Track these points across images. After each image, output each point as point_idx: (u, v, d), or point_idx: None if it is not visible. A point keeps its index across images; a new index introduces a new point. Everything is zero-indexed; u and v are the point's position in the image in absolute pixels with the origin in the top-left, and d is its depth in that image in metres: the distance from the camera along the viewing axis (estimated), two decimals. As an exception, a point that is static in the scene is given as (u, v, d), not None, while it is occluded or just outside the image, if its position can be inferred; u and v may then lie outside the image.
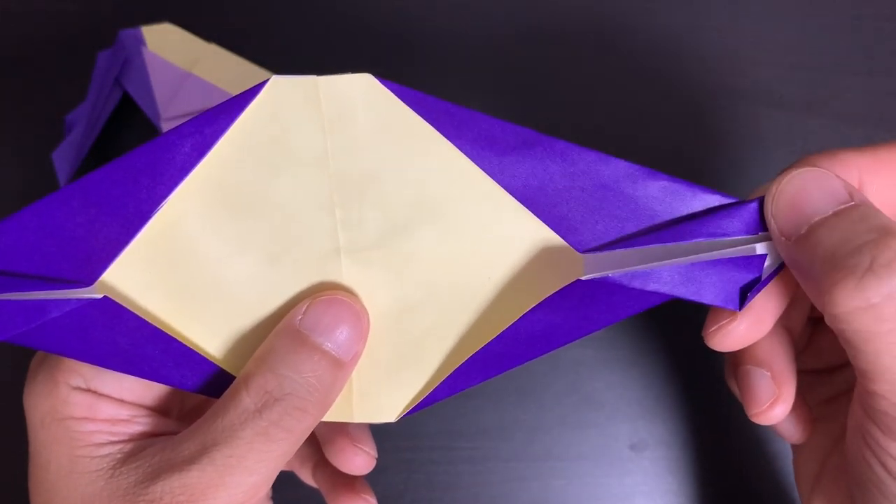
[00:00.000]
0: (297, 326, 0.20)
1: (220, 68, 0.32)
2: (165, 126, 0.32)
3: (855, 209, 0.18)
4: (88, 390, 0.21)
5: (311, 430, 0.20)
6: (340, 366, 0.20)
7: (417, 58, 0.35)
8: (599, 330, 0.20)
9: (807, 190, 0.19)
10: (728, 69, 0.34)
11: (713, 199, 0.19)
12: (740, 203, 0.19)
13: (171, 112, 0.32)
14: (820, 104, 0.34)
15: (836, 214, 0.18)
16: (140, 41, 0.33)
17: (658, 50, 0.35)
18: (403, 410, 0.21)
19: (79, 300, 0.19)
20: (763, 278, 0.19)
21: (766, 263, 0.19)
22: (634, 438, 0.30)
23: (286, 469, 0.27)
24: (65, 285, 0.19)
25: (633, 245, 0.19)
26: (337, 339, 0.20)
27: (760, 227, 0.19)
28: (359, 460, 0.25)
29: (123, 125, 0.34)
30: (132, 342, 0.20)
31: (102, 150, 0.33)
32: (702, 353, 0.28)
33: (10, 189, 0.34)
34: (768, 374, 0.22)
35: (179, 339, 0.20)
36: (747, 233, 0.19)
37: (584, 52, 0.35)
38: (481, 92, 0.34)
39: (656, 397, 0.31)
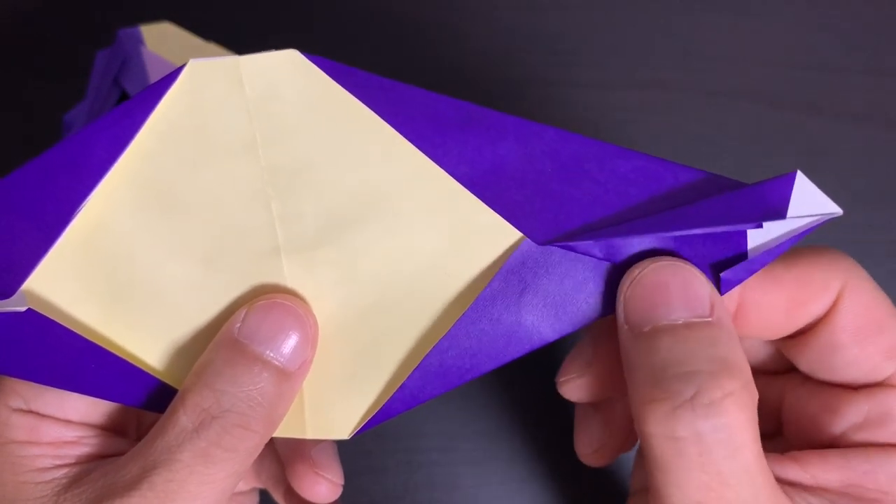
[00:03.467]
0: (236, 336, 0.18)
1: (220, 68, 0.32)
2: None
3: (707, 328, 0.16)
4: (30, 411, 0.20)
5: (260, 447, 0.18)
6: (286, 377, 0.18)
7: (417, 57, 0.35)
8: (569, 332, 0.18)
9: (668, 288, 0.17)
10: (728, 69, 0.34)
11: (694, 178, 0.17)
12: (728, 187, 0.17)
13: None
14: (820, 104, 0.34)
15: (686, 326, 0.17)
16: (139, 40, 0.33)
17: (658, 49, 0.35)
18: (357, 426, 0.19)
19: (2, 314, 0.18)
20: (750, 257, 0.17)
21: (753, 244, 0.17)
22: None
23: (261, 487, 0.26)
24: None
25: (600, 237, 0.17)
26: (280, 347, 0.18)
27: (757, 217, 0.17)
28: (320, 489, 0.23)
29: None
30: (66, 356, 0.19)
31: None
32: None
33: (8, 189, 0.34)
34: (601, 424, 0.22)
35: (117, 351, 0.19)
36: (737, 221, 0.17)
37: (583, 51, 0.35)
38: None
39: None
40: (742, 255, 0.17)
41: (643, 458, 0.18)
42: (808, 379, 0.21)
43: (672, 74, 0.34)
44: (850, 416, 0.19)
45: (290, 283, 0.19)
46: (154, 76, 0.32)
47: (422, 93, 0.17)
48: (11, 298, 0.18)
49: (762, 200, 0.17)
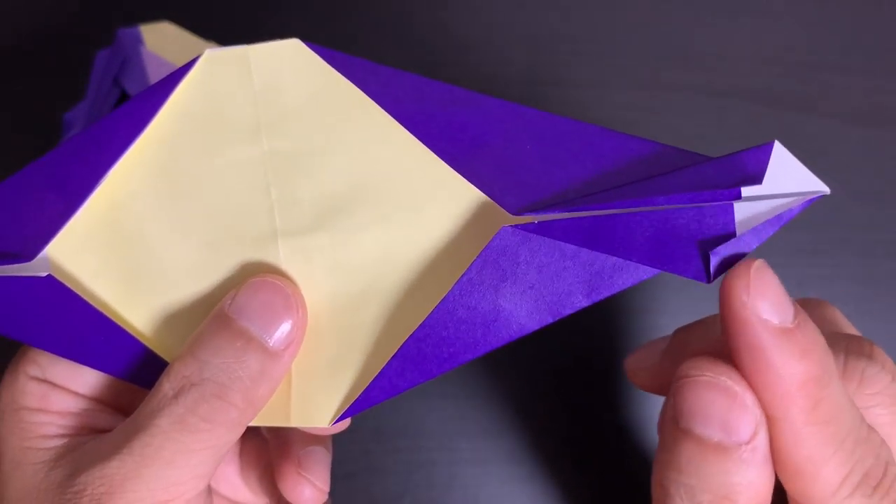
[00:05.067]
0: (226, 310, 0.18)
1: (220, 68, 0.32)
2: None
3: (729, 458, 0.16)
4: (44, 380, 0.21)
5: (241, 425, 0.18)
6: (270, 355, 0.18)
7: (415, 56, 0.35)
8: (550, 322, 0.17)
9: (710, 404, 0.16)
10: (728, 69, 0.34)
11: (671, 153, 0.17)
12: (704, 160, 0.17)
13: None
14: (820, 104, 0.34)
15: (716, 448, 0.16)
16: (139, 40, 0.33)
17: (658, 49, 0.35)
18: (336, 414, 0.19)
19: (23, 278, 0.19)
20: (742, 235, 0.16)
21: (738, 220, 0.16)
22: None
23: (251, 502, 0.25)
24: (8, 260, 0.19)
25: (577, 208, 0.16)
26: (267, 325, 0.18)
27: (733, 183, 0.16)
28: (304, 491, 0.23)
29: (122, 125, 0.34)
30: (76, 326, 0.19)
31: (101, 149, 0.33)
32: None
33: (8, 189, 0.34)
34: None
35: (125, 326, 0.20)
36: (712, 186, 0.16)
37: (581, 50, 0.35)
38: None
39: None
40: (730, 234, 0.16)
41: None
42: None
43: (672, 74, 0.34)
44: None
45: (286, 266, 0.19)
46: (154, 76, 0.32)
47: (413, 77, 0.18)
48: (33, 262, 0.19)
49: (738, 168, 0.16)
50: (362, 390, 0.19)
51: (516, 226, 0.17)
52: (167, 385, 0.18)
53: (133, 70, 0.32)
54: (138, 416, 0.18)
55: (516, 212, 0.17)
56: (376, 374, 0.19)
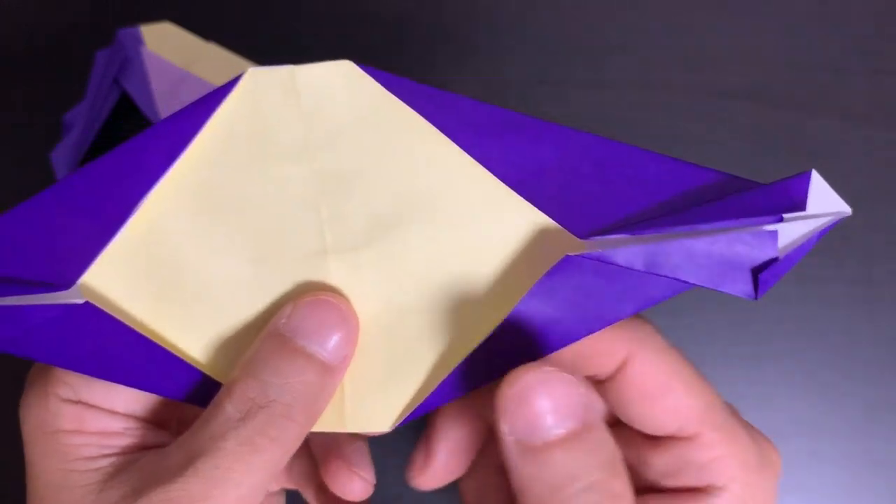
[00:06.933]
0: (281, 330, 0.19)
1: (220, 68, 0.32)
2: (164, 126, 0.32)
3: (591, 433, 0.17)
4: (78, 402, 0.20)
5: (301, 438, 0.19)
6: (328, 370, 0.19)
7: (414, 56, 0.35)
8: (605, 326, 0.19)
9: (551, 399, 0.17)
10: (728, 69, 0.34)
11: (717, 179, 0.18)
12: (756, 186, 0.18)
13: (169, 111, 0.32)
14: (820, 104, 0.34)
15: (572, 437, 0.17)
16: (139, 40, 0.33)
17: (658, 49, 0.35)
18: (398, 419, 0.20)
19: (59, 305, 0.19)
20: (781, 258, 0.18)
21: (782, 243, 0.17)
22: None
23: (291, 488, 0.27)
24: (44, 289, 0.19)
25: (639, 231, 0.17)
26: (323, 342, 0.19)
27: (779, 210, 0.17)
28: (355, 486, 0.24)
29: (122, 125, 0.34)
30: (117, 349, 0.19)
31: (101, 149, 0.33)
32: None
33: (8, 189, 0.34)
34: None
35: (165, 345, 0.20)
36: (765, 215, 0.17)
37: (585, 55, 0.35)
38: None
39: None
40: (774, 257, 0.18)
41: None
42: (627, 428, 0.22)
43: (672, 74, 0.34)
44: (656, 466, 0.21)
45: (335, 282, 0.20)
46: (154, 76, 0.32)
47: (465, 100, 0.18)
48: (69, 290, 0.19)
49: (782, 196, 0.17)
50: (423, 398, 0.20)
51: (582, 253, 0.18)
52: (230, 407, 0.18)
53: (133, 70, 0.32)
54: (198, 438, 0.18)
55: (585, 236, 0.18)
56: (437, 382, 0.20)
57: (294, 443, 0.19)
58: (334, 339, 0.19)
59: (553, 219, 0.18)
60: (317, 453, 0.25)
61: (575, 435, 0.17)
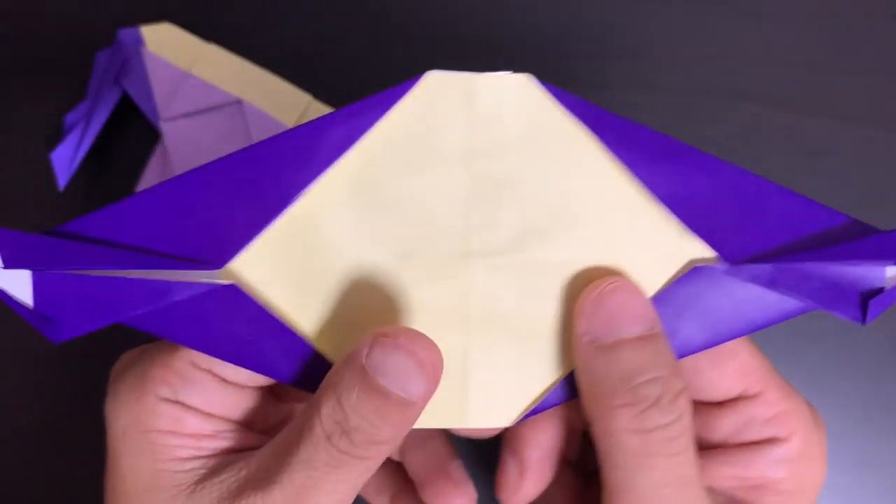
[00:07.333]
0: (363, 363, 0.19)
1: (220, 68, 0.32)
2: (164, 126, 0.32)
3: (658, 339, 0.20)
4: (177, 402, 0.20)
5: (387, 454, 0.20)
6: (409, 406, 0.19)
7: (413, 56, 0.35)
8: (723, 342, 0.21)
9: (626, 305, 0.20)
10: (728, 69, 0.34)
11: (843, 221, 0.20)
12: (870, 231, 0.20)
13: (170, 112, 0.32)
14: (820, 104, 0.34)
15: (642, 339, 0.19)
16: (139, 41, 0.33)
17: (658, 49, 0.35)
18: (521, 414, 0.21)
19: (204, 285, 0.19)
20: (887, 289, 0.20)
21: (890, 275, 0.20)
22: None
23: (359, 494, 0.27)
24: (191, 265, 0.19)
25: (778, 261, 0.20)
26: (402, 383, 0.19)
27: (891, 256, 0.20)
28: (461, 502, 0.25)
29: (122, 125, 0.34)
30: (251, 334, 0.20)
31: (101, 150, 0.33)
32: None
33: (8, 189, 0.34)
34: (518, 463, 0.24)
35: (298, 331, 0.20)
36: (882, 260, 0.20)
37: (591, 54, 0.35)
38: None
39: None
40: (880, 289, 0.20)
41: (601, 462, 0.20)
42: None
43: (672, 74, 0.34)
44: (722, 429, 0.23)
45: (472, 284, 0.20)
46: (154, 76, 0.32)
47: (636, 125, 0.20)
48: (218, 271, 0.19)
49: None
50: (544, 396, 0.21)
51: (715, 267, 0.20)
52: (319, 428, 0.19)
53: (133, 70, 0.32)
54: (292, 447, 0.19)
55: (735, 263, 0.20)
56: (557, 382, 0.21)
57: (378, 459, 0.19)
58: (412, 382, 0.19)
59: (708, 243, 0.20)
60: (417, 474, 0.26)
61: (644, 338, 0.19)
